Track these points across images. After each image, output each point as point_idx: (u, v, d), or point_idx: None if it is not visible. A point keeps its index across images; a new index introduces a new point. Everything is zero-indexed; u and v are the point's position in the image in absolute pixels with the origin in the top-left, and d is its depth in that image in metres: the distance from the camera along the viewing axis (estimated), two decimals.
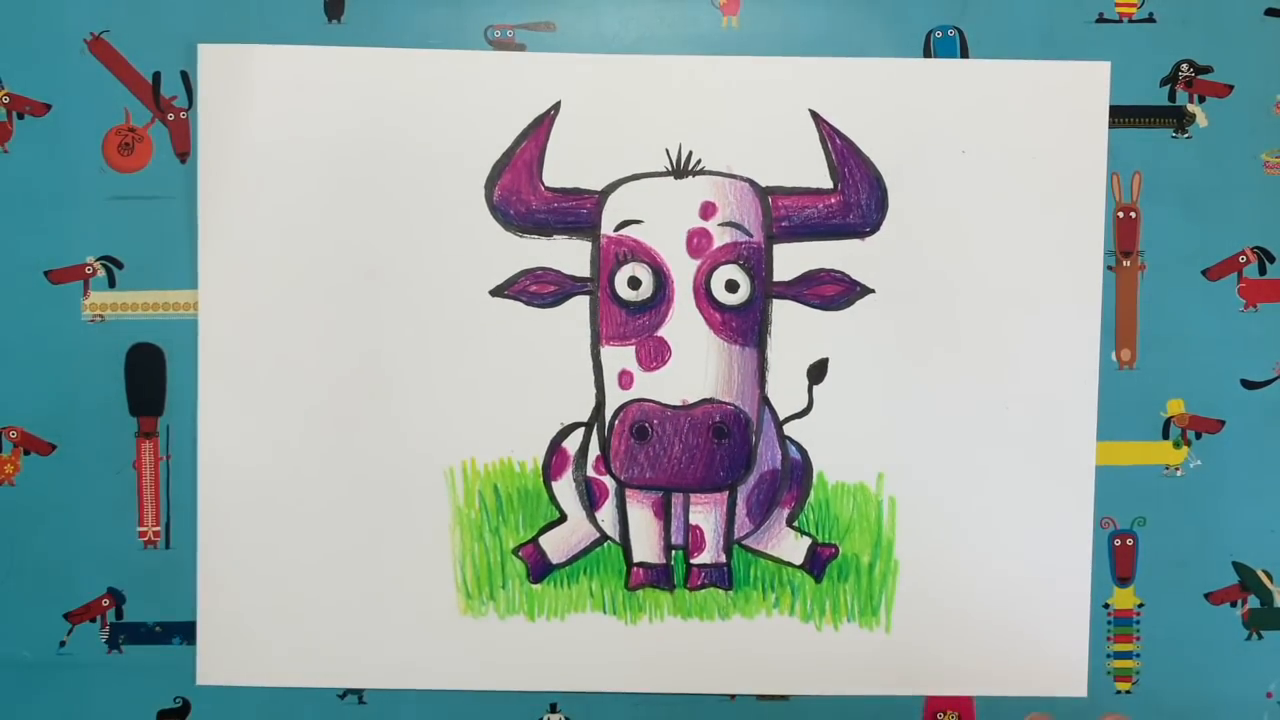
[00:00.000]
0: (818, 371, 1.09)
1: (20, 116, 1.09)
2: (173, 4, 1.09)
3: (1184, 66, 1.10)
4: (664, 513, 1.10)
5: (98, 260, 1.10)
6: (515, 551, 1.11)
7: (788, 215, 1.08)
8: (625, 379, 1.08)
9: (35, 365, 1.10)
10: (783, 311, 1.09)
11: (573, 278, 1.09)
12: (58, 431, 1.11)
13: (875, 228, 1.09)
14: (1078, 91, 1.09)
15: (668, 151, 1.08)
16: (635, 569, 1.11)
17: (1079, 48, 1.09)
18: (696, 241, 1.08)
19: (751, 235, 1.08)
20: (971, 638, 1.11)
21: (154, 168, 1.10)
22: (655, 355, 1.08)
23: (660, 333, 1.08)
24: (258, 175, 1.09)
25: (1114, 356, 1.11)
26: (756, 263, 1.08)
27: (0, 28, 1.09)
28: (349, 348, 1.09)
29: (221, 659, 1.12)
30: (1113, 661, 1.13)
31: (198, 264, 1.09)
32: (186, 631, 1.12)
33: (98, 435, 1.11)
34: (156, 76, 1.09)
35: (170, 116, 1.10)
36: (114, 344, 1.10)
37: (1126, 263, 1.11)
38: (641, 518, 1.11)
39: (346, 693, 1.12)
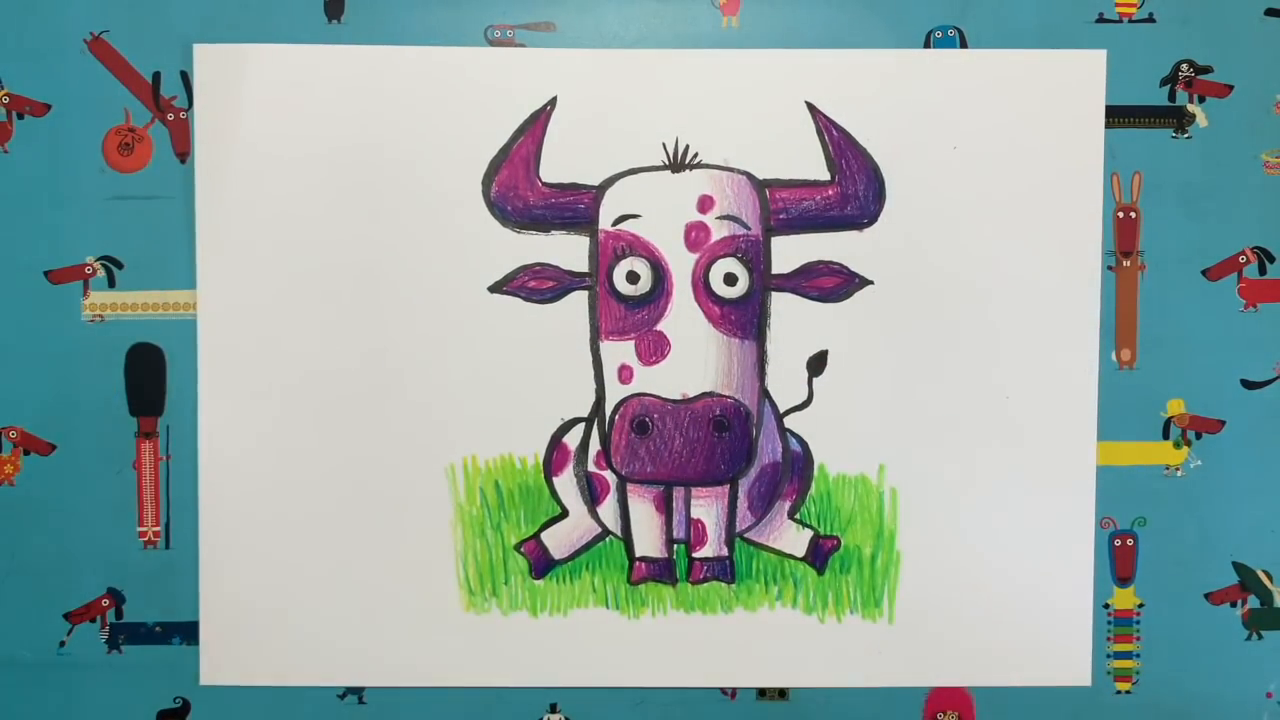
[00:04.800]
0: (817, 363, 1.10)
1: (20, 116, 1.09)
2: (173, 4, 1.09)
3: (1184, 66, 1.10)
4: (665, 507, 1.11)
5: (98, 260, 1.10)
6: (517, 548, 1.11)
7: (785, 208, 1.08)
8: (625, 373, 1.08)
9: (35, 365, 1.10)
10: (782, 304, 1.09)
11: (571, 273, 1.09)
12: (58, 431, 1.11)
13: (873, 219, 1.09)
14: (1074, 81, 1.10)
15: (664, 146, 1.09)
16: (637, 563, 1.11)
17: (1079, 46, 1.10)
18: (694, 235, 1.08)
19: (749, 228, 1.08)
20: (975, 628, 1.12)
21: (154, 168, 1.10)
22: (655, 349, 1.08)
23: (659, 327, 1.08)
24: (255, 174, 1.09)
25: (1114, 356, 1.11)
26: (755, 255, 1.08)
27: (0, 28, 1.09)
28: (348, 345, 1.09)
29: (225, 659, 1.12)
30: (1113, 661, 1.13)
31: (196, 264, 1.09)
32: (186, 631, 1.12)
33: (98, 435, 1.11)
34: (156, 76, 1.10)
35: (170, 116, 1.10)
36: (114, 344, 1.10)
37: (1126, 263, 1.11)
38: (643, 512, 1.11)
39: (346, 692, 1.12)
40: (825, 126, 1.08)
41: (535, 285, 1.09)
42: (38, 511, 1.11)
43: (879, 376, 1.10)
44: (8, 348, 1.10)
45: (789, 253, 1.09)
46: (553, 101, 1.08)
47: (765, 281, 1.09)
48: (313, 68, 1.09)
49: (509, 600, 1.11)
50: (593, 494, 1.11)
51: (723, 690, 1.12)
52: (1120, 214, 1.11)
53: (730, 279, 1.08)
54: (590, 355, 1.09)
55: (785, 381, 1.10)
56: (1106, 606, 1.13)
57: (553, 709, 1.12)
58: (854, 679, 1.12)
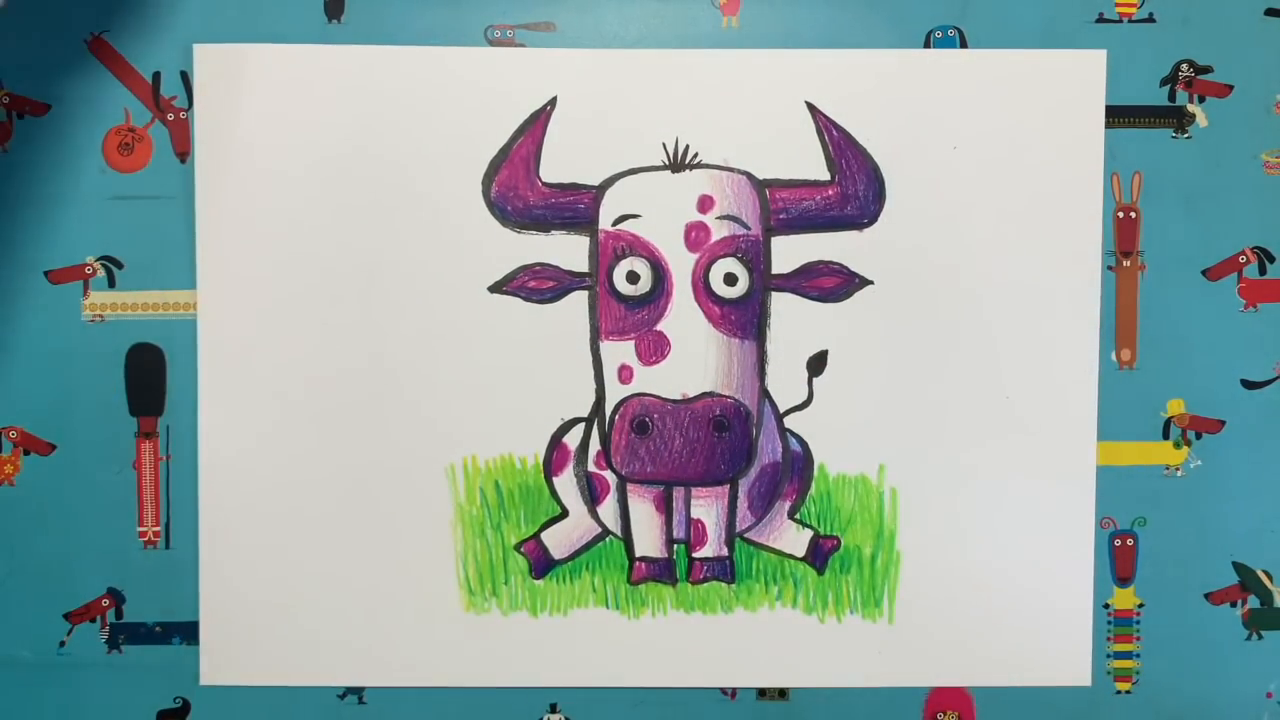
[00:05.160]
0: (817, 363, 1.10)
1: (20, 116, 1.09)
2: (173, 5, 1.09)
3: (1184, 66, 1.10)
4: (665, 507, 1.11)
5: (98, 260, 1.10)
6: (517, 548, 1.11)
7: (785, 207, 1.09)
8: (625, 374, 1.08)
9: (35, 365, 1.10)
10: (782, 304, 1.09)
11: (571, 273, 1.09)
12: (58, 431, 1.11)
13: (873, 219, 1.09)
14: (1074, 81, 1.10)
15: (664, 145, 1.09)
16: (637, 563, 1.11)
17: (1079, 46, 1.10)
18: (694, 235, 1.08)
19: (749, 228, 1.08)
20: (974, 628, 1.12)
21: (154, 168, 1.10)
22: (655, 349, 1.08)
23: (659, 327, 1.08)
24: (255, 174, 1.09)
25: (1114, 356, 1.11)
26: (755, 255, 1.09)
27: (0, 28, 1.09)
28: (348, 345, 1.09)
29: (224, 659, 1.12)
30: (1113, 661, 1.13)
31: (196, 264, 1.09)
32: (186, 631, 1.12)
33: (98, 435, 1.11)
34: (156, 76, 1.10)
35: (170, 116, 1.10)
36: (114, 344, 1.10)
37: (1126, 263, 1.11)
38: (643, 512, 1.11)
39: (346, 692, 1.12)
40: (825, 126, 1.08)
41: (535, 285, 1.09)
42: (38, 511, 1.11)
43: (879, 376, 1.10)
44: (8, 348, 1.10)
45: (789, 253, 1.09)
46: (553, 101, 1.08)
47: (765, 281, 1.09)
48: (313, 68, 1.08)
49: (509, 600, 1.11)
50: (593, 494, 1.11)
51: (723, 690, 1.13)
52: (1120, 214, 1.11)
53: (730, 279, 1.08)
54: (590, 355, 1.09)
55: (785, 381, 1.10)
56: (1106, 606, 1.13)
57: (553, 709, 1.13)
58: (854, 679, 1.12)
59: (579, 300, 1.09)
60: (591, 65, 1.09)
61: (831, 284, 1.09)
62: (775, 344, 1.09)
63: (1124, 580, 1.13)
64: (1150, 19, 1.10)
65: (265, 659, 1.12)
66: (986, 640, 1.11)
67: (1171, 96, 1.11)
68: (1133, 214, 1.11)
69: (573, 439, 1.10)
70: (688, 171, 1.08)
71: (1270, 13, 1.11)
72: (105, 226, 1.10)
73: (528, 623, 1.11)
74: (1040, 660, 1.12)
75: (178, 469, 1.11)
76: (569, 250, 1.09)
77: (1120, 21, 1.10)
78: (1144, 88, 1.11)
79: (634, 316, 1.08)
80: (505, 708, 1.12)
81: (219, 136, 1.09)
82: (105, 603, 1.12)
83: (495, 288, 1.09)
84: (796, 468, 1.11)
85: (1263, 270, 1.11)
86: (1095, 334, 1.10)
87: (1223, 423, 1.12)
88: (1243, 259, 1.11)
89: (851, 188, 1.08)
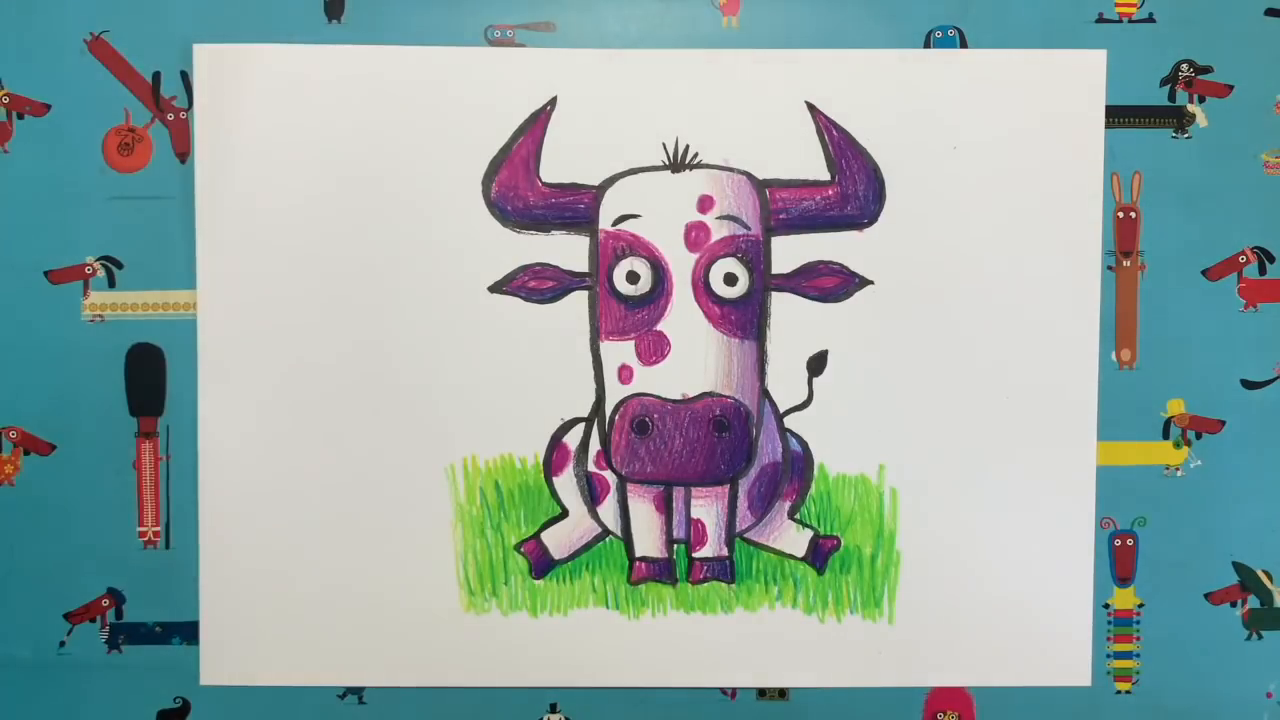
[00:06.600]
0: (817, 363, 1.10)
1: (20, 116, 1.09)
2: (173, 5, 1.09)
3: (1184, 66, 1.10)
4: (665, 507, 1.10)
5: (98, 260, 1.10)
6: (517, 548, 1.11)
7: (785, 207, 1.08)
8: (625, 374, 1.08)
9: (35, 365, 1.10)
10: (782, 304, 1.09)
11: (571, 273, 1.09)
12: (58, 431, 1.11)
13: (873, 219, 1.09)
14: (1074, 81, 1.09)
15: (664, 145, 1.08)
16: (637, 563, 1.11)
17: (1079, 46, 1.09)
18: (694, 235, 1.08)
19: (749, 228, 1.08)
20: (974, 628, 1.12)
21: (154, 168, 1.10)
22: (655, 349, 1.08)
23: (659, 327, 1.08)
24: (255, 174, 1.09)
25: (1114, 356, 1.11)
26: (755, 255, 1.08)
27: (0, 28, 1.09)
28: (348, 346, 1.09)
29: (225, 659, 1.12)
30: (1113, 661, 1.13)
31: (196, 263, 1.09)
32: (186, 631, 1.12)
33: (98, 435, 1.11)
34: (156, 76, 1.10)
35: (170, 116, 1.10)
36: (114, 344, 1.10)
37: (1126, 263, 1.11)
38: (643, 512, 1.11)
39: (346, 692, 1.12)
40: (825, 126, 1.08)
41: (535, 285, 1.08)
42: (38, 511, 1.11)
43: (879, 376, 1.10)
44: (8, 348, 1.10)
45: (789, 253, 1.09)
46: (553, 101, 1.08)
47: (765, 281, 1.09)
48: (313, 68, 1.08)
49: (509, 600, 1.11)
50: (593, 494, 1.11)
51: (723, 690, 1.12)
52: (1120, 214, 1.10)
53: (730, 279, 1.08)
54: (590, 355, 1.09)
55: (785, 381, 1.10)
56: (1106, 606, 1.13)
57: (553, 709, 1.12)
58: (854, 679, 1.12)
59: (579, 300, 1.09)
60: (591, 65, 1.09)
61: (831, 284, 1.09)
62: (775, 344, 1.09)
63: (1124, 580, 1.13)
64: (1150, 19, 1.10)
65: (265, 659, 1.11)
66: (986, 640, 1.11)
67: (1171, 96, 1.11)
68: (1133, 214, 1.11)
69: (573, 439, 1.10)
70: (688, 171, 1.08)
71: (1270, 13, 1.11)
72: (105, 226, 1.10)
73: (528, 623, 1.11)
74: (1040, 660, 1.12)
75: (178, 469, 1.11)
76: (569, 250, 1.09)
77: (1120, 21, 1.10)
78: (1144, 88, 1.11)
79: (634, 316, 1.08)
80: (505, 708, 1.12)
81: (219, 136, 1.09)
82: (105, 603, 1.12)
83: (495, 288, 1.09)
84: (796, 468, 1.11)
85: (1263, 270, 1.11)
86: (1095, 334, 1.10)
87: (1223, 423, 1.12)
88: (1243, 259, 1.11)
89: (851, 188, 1.08)
